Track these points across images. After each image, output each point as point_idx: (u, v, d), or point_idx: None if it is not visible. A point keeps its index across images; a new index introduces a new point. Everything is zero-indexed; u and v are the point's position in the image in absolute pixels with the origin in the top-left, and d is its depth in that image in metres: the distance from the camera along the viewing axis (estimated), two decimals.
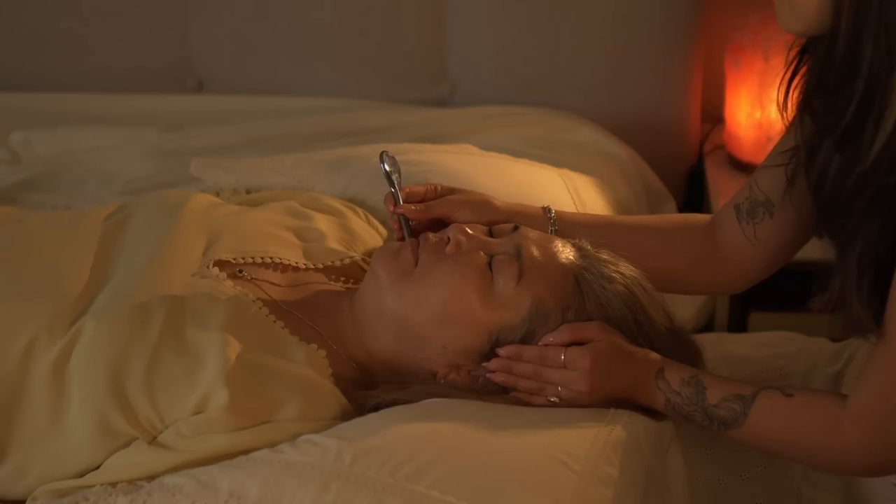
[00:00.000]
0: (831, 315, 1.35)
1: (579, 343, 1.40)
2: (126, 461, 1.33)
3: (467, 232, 1.44)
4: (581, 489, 1.27)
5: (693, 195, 2.49)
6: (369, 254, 1.60)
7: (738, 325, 2.29)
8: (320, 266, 1.55)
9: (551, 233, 1.54)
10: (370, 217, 1.72)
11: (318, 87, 2.44)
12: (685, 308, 2.10)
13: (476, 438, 1.31)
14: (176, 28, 2.47)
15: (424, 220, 1.51)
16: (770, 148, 1.55)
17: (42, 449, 1.35)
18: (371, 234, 1.67)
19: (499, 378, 1.42)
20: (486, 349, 1.42)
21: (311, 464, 1.27)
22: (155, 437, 1.34)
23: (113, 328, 1.37)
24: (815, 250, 1.52)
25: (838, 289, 1.33)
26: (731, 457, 1.61)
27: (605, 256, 1.46)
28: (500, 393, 1.42)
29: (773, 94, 2.22)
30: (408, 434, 1.31)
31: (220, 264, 1.49)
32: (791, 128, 1.44)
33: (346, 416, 1.39)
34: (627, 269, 1.46)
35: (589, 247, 1.47)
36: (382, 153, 1.50)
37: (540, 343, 1.41)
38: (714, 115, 2.49)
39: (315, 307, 1.48)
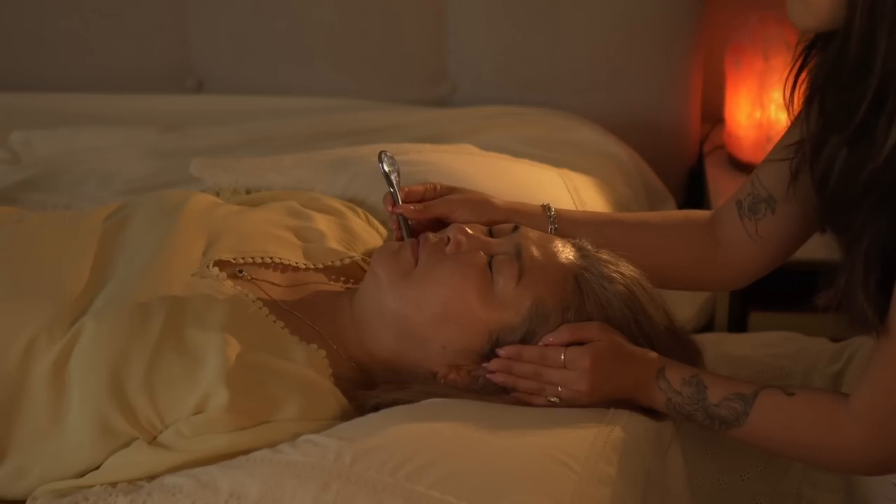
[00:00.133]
0: (834, 313, 1.34)
1: (579, 343, 1.40)
2: (126, 461, 1.33)
3: (467, 232, 1.44)
4: (581, 489, 1.27)
5: (693, 195, 2.49)
6: (369, 254, 1.60)
7: (738, 324, 2.29)
8: (320, 266, 1.55)
9: (551, 231, 1.54)
10: (370, 217, 1.72)
11: (318, 87, 2.44)
12: (685, 308, 2.10)
13: (476, 438, 1.31)
14: (176, 28, 2.47)
15: (423, 220, 1.50)
16: (770, 148, 1.54)
17: (42, 449, 1.35)
18: (371, 234, 1.67)
19: (499, 378, 1.41)
20: (486, 349, 1.42)
21: (311, 464, 1.27)
22: (155, 437, 1.34)
23: (113, 328, 1.37)
24: (816, 250, 1.51)
25: (844, 285, 1.32)
26: (732, 457, 1.61)
27: (605, 256, 1.46)
28: (500, 393, 1.42)
29: (774, 95, 2.24)
30: (408, 434, 1.31)
31: (220, 264, 1.49)
32: (796, 122, 1.43)
33: (346, 416, 1.39)
34: (627, 268, 1.46)
35: (589, 247, 1.47)
36: (381, 153, 1.50)
37: (540, 343, 1.41)
38: (714, 115, 2.49)
39: (315, 307, 1.48)
